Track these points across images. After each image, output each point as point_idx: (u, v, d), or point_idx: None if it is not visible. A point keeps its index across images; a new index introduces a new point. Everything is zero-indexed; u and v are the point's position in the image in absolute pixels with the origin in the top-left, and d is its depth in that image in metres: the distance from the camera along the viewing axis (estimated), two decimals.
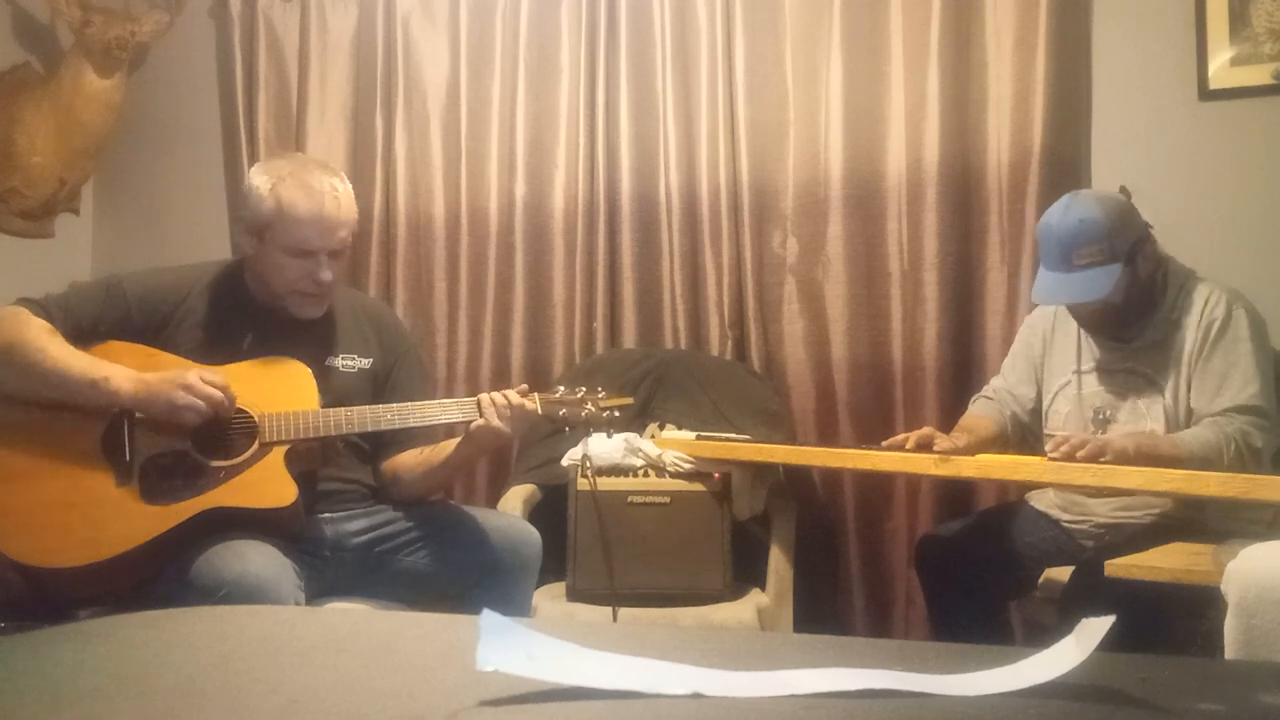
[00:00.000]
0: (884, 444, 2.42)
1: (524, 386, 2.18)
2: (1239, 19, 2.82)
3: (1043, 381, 2.53)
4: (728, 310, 3.16)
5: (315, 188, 2.12)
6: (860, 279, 3.07)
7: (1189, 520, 2.26)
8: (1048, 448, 2.22)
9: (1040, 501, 2.52)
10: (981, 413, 2.58)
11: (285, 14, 3.59)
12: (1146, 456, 2.12)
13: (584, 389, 2.20)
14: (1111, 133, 2.92)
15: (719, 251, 3.17)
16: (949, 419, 2.66)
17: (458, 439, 2.18)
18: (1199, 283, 2.38)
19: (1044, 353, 2.53)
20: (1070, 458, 2.13)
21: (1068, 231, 2.30)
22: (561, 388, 2.21)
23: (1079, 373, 2.45)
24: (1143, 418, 2.35)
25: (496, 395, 2.12)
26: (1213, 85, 2.84)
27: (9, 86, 3.58)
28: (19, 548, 1.93)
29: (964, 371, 2.97)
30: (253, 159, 3.57)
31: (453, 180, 3.42)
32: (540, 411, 2.14)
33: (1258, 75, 2.81)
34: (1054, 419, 2.48)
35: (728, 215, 3.16)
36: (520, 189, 3.34)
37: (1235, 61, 2.83)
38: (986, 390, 2.63)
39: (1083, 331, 2.45)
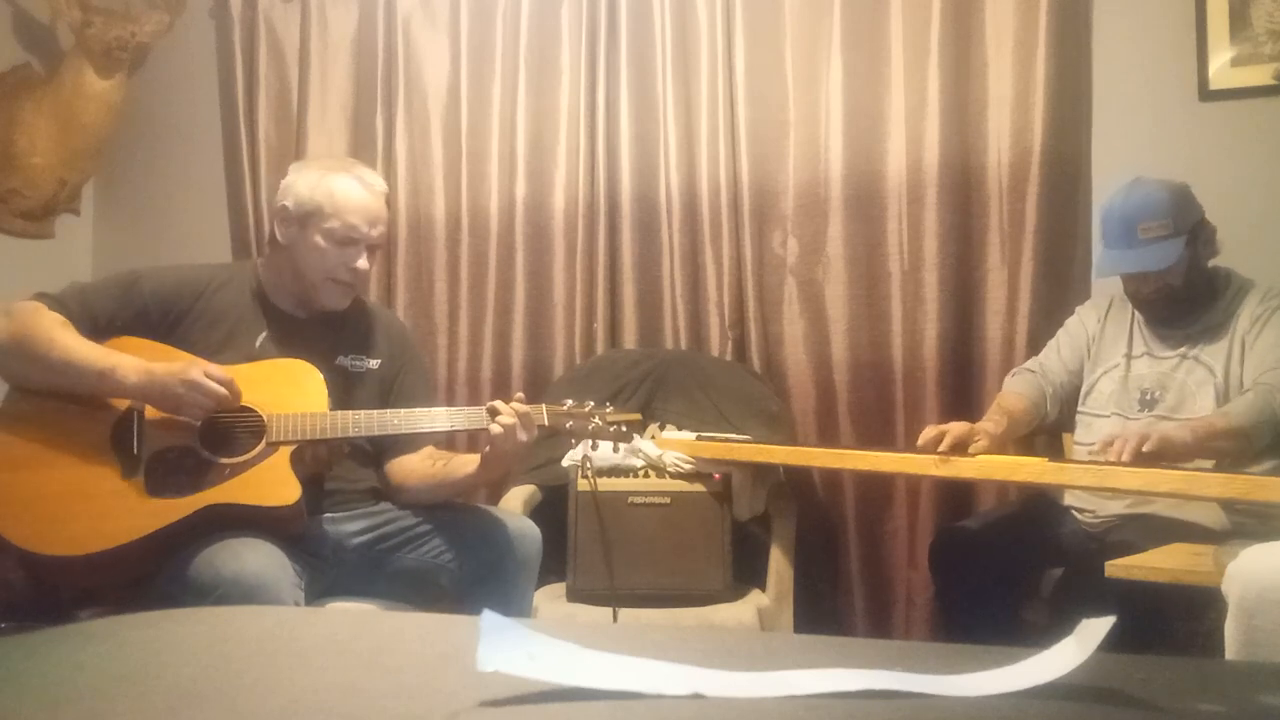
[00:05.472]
0: (919, 444, 2.36)
1: (520, 395, 2.17)
2: (1239, 19, 2.82)
3: (1089, 364, 2.52)
4: (728, 310, 3.16)
5: (366, 179, 2.23)
6: (860, 279, 3.06)
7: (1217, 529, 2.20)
8: (1103, 447, 2.15)
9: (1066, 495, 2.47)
10: (1019, 389, 2.56)
11: (285, 14, 3.59)
12: (1205, 437, 2.13)
13: (592, 403, 2.20)
14: (1111, 133, 2.92)
15: (719, 252, 3.17)
16: (949, 419, 2.65)
17: (474, 455, 2.18)
18: (1256, 284, 2.41)
19: (1097, 336, 2.53)
20: (1133, 460, 2.07)
21: (1133, 206, 2.33)
22: (569, 401, 2.20)
23: (1129, 357, 2.45)
24: (1191, 396, 2.34)
25: (504, 406, 2.10)
26: (1213, 85, 2.84)
27: (9, 87, 3.58)
28: (22, 534, 1.93)
29: (964, 372, 2.97)
30: (253, 159, 3.58)
31: (453, 180, 3.42)
32: (547, 423, 2.14)
33: (1258, 75, 2.81)
34: (1095, 398, 2.47)
35: (728, 215, 3.15)
36: (520, 189, 3.34)
37: (1235, 62, 2.83)
38: (1030, 364, 2.62)
39: (1138, 320, 2.46)
